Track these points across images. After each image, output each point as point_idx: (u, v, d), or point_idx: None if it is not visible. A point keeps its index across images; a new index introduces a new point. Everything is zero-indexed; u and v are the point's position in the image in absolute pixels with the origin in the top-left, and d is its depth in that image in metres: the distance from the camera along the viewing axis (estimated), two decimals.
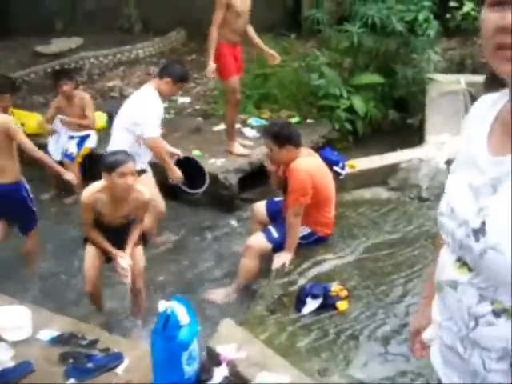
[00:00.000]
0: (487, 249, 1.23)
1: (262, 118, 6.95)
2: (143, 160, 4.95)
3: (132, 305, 4.25)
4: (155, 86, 4.98)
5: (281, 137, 4.24)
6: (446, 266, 1.40)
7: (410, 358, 3.20)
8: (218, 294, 4.43)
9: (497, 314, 1.27)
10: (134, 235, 4.04)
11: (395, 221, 4.73)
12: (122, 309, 4.36)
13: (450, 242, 1.40)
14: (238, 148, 6.10)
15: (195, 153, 5.99)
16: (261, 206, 4.71)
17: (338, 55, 7.30)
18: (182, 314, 2.87)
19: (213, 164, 5.83)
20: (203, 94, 8.25)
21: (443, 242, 1.48)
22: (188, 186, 5.19)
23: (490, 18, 1.19)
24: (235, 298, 4.35)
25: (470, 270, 1.32)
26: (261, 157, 5.98)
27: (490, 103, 1.40)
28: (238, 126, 6.83)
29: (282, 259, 4.21)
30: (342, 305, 3.71)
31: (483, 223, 1.26)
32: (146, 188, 4.59)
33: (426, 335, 1.67)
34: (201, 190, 5.27)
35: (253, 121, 6.89)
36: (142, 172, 4.85)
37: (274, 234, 4.33)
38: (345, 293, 3.80)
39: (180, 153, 5.18)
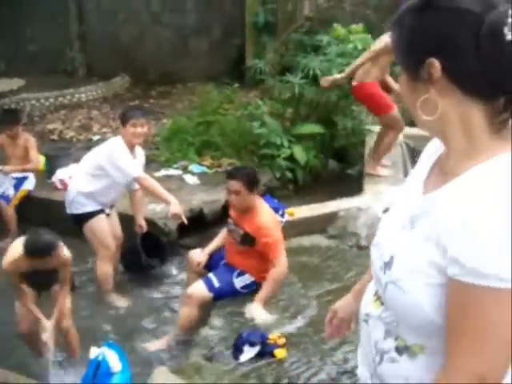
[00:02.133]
0: (388, 283, 1.27)
1: (202, 165, 6.95)
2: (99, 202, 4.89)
3: (66, 349, 4.10)
4: (121, 135, 4.89)
5: (253, 182, 4.20)
6: (367, 299, 1.43)
7: None
8: (156, 345, 4.32)
9: (399, 350, 1.29)
10: (61, 301, 3.94)
11: (334, 268, 4.75)
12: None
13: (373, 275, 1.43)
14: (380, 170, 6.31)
15: None
16: (196, 255, 4.64)
17: (280, 105, 7.40)
18: (114, 361, 2.77)
19: (152, 210, 5.77)
20: (145, 140, 8.19)
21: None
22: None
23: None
24: (172, 346, 4.24)
25: (382, 303, 1.34)
26: (200, 203, 5.97)
27: (437, 146, 1.40)
28: (179, 172, 6.85)
29: (258, 311, 4.07)
30: (279, 352, 3.66)
31: (392, 257, 1.29)
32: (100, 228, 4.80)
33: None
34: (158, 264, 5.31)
35: (194, 167, 6.89)
36: (85, 216, 4.82)
37: (215, 282, 4.24)
38: (282, 340, 3.75)
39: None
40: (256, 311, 4.08)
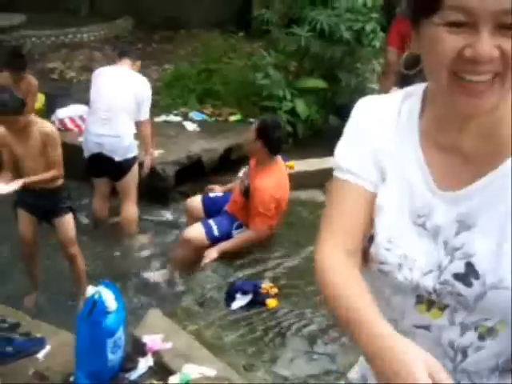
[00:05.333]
0: (487, 290, 1.10)
1: (203, 113, 6.91)
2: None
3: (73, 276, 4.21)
4: (131, 69, 4.98)
5: (263, 129, 4.16)
6: (406, 311, 1.22)
7: (336, 357, 3.25)
8: (156, 277, 4.41)
9: (482, 337, 1.18)
10: (44, 176, 3.92)
11: None
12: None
13: (401, 288, 1.20)
14: None
15: None
16: (196, 201, 4.64)
17: (285, 57, 7.32)
18: (110, 300, 2.81)
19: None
20: None
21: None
22: None
23: (449, 41, 0.98)
24: (166, 286, 4.30)
25: (440, 309, 1.18)
26: (199, 151, 5.96)
27: (394, 110, 1.21)
28: (179, 119, 6.80)
29: (212, 256, 4.14)
30: (271, 302, 3.71)
31: (469, 265, 1.12)
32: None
33: (354, 375, 1.48)
34: None
35: (194, 115, 6.85)
36: (135, 158, 4.90)
37: (215, 231, 4.25)
38: (275, 290, 3.80)
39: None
40: (210, 254, 4.13)
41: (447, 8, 0.97)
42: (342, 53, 7.08)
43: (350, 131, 1.29)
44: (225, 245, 4.18)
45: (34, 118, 3.88)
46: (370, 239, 1.23)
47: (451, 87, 1.01)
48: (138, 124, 4.95)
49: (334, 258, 1.22)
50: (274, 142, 4.17)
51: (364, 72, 7.25)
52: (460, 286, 1.12)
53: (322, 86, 7.01)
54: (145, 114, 4.93)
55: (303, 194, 5.21)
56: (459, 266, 1.12)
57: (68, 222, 4.09)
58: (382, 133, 1.21)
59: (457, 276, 1.12)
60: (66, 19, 10.33)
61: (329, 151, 5.59)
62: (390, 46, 6.43)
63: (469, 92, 0.99)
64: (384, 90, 6.65)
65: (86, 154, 4.96)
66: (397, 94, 1.24)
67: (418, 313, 1.20)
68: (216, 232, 4.26)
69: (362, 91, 7.17)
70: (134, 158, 4.90)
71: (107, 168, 4.87)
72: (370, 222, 1.23)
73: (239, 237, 4.21)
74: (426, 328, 1.20)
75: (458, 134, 1.12)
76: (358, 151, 1.24)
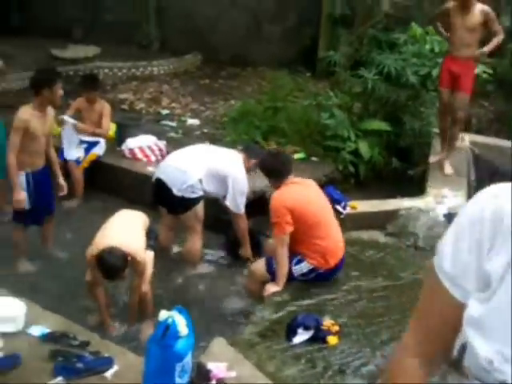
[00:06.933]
0: None
1: None
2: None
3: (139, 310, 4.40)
4: (243, 161, 5.25)
5: (263, 170, 4.62)
6: None
7: None
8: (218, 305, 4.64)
9: None
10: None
11: (390, 265, 4.81)
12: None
13: None
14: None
15: None
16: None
17: (350, 99, 7.44)
18: (182, 325, 2.92)
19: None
20: (212, 119, 8.37)
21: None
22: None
23: None
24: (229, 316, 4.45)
25: None
26: (263, 186, 6.07)
27: (499, 216, 1.07)
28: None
29: (271, 290, 4.28)
30: (332, 339, 3.76)
31: None
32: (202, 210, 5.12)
33: None
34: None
35: None
36: (198, 200, 5.07)
37: (275, 266, 4.38)
38: (336, 328, 3.85)
39: None
40: (270, 288, 4.29)
41: None
42: (407, 96, 7.17)
43: (461, 228, 1.14)
44: (276, 276, 4.30)
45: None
46: (462, 349, 1.14)
47: None
48: (233, 216, 5.25)
49: (407, 364, 1.26)
50: (277, 170, 4.53)
51: (428, 116, 7.29)
52: None
53: (385, 129, 7.08)
54: (240, 208, 5.18)
55: (365, 235, 5.28)
56: None
57: (150, 256, 4.33)
58: (499, 237, 1.07)
59: None
60: (138, 53, 10.75)
61: (390, 193, 5.70)
62: (441, 87, 6.40)
63: None
64: (442, 131, 6.61)
65: (153, 178, 5.19)
66: None
67: None
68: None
69: (425, 135, 7.22)
70: (197, 199, 5.05)
71: (167, 199, 5.07)
72: (457, 330, 1.15)
73: (275, 261, 4.32)
74: None
75: None
76: (462, 256, 1.13)
